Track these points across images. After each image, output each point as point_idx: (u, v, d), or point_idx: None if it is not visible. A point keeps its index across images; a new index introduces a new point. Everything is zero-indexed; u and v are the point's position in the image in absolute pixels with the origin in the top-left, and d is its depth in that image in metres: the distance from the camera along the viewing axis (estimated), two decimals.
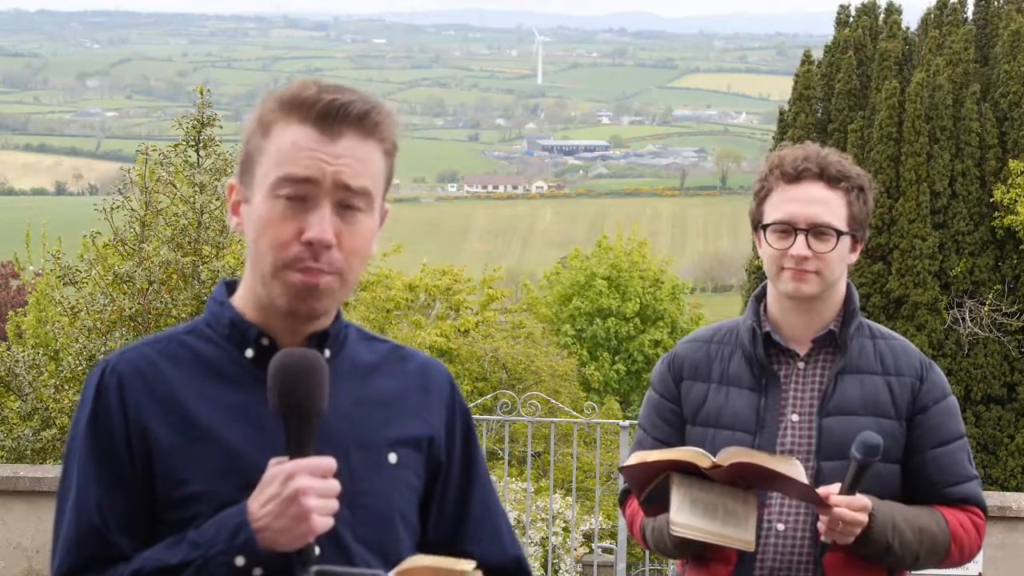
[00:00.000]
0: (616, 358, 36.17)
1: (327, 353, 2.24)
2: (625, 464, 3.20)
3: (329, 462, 2.10)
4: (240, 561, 2.10)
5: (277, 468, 2.10)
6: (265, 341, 2.23)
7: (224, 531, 2.10)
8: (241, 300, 2.27)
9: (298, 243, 2.15)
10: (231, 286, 2.33)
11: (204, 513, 2.14)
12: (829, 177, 3.23)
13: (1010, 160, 23.06)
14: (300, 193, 2.14)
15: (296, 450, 2.10)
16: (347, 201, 2.16)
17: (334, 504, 2.10)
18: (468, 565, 2.08)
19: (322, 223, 2.14)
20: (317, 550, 2.11)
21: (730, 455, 3.09)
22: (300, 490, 2.06)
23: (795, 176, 3.24)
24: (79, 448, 2.21)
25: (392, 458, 2.26)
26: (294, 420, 2.10)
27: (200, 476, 2.16)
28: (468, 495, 2.36)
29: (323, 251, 2.15)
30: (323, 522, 2.09)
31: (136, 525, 2.18)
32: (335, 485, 2.10)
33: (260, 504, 2.09)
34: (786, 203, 3.25)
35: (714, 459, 3.09)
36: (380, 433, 2.27)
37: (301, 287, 2.16)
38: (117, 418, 2.19)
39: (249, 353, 2.23)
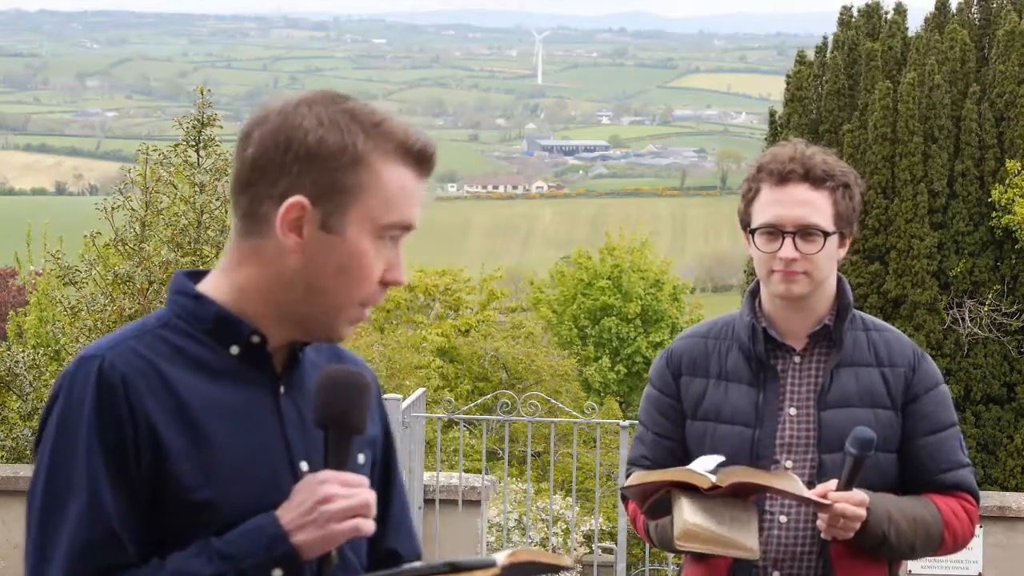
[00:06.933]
0: (616, 359, 36.14)
1: (304, 353, 2.28)
2: (626, 485, 3.27)
3: (359, 477, 2.14)
4: (277, 573, 2.10)
5: (309, 476, 2.12)
6: (256, 339, 2.19)
7: (258, 542, 2.09)
8: (221, 294, 2.21)
9: (377, 283, 2.18)
10: (193, 277, 2.26)
11: (215, 521, 2.12)
12: (814, 178, 3.28)
13: (1007, 160, 23.06)
14: (399, 236, 2.18)
15: (334, 463, 2.12)
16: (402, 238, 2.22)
17: (359, 511, 2.12)
18: (567, 560, 2.09)
19: (402, 266, 2.21)
20: (335, 556, 2.13)
21: (729, 475, 3.13)
22: (327, 496, 2.09)
23: (781, 178, 3.29)
24: (83, 449, 2.12)
25: (360, 459, 2.28)
26: (334, 434, 2.12)
27: (210, 483, 2.13)
28: (390, 494, 2.41)
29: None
30: (345, 528, 2.10)
31: (143, 531, 2.13)
32: (362, 496, 2.12)
33: (292, 514, 2.10)
34: (772, 206, 3.30)
35: (713, 479, 3.13)
36: None
37: (355, 325, 2.23)
38: (126, 419, 2.12)
39: (234, 350, 2.19)
